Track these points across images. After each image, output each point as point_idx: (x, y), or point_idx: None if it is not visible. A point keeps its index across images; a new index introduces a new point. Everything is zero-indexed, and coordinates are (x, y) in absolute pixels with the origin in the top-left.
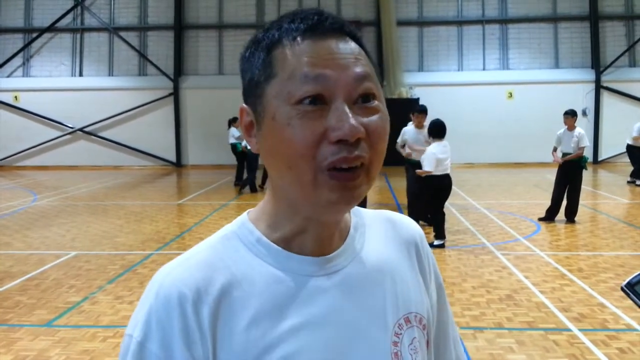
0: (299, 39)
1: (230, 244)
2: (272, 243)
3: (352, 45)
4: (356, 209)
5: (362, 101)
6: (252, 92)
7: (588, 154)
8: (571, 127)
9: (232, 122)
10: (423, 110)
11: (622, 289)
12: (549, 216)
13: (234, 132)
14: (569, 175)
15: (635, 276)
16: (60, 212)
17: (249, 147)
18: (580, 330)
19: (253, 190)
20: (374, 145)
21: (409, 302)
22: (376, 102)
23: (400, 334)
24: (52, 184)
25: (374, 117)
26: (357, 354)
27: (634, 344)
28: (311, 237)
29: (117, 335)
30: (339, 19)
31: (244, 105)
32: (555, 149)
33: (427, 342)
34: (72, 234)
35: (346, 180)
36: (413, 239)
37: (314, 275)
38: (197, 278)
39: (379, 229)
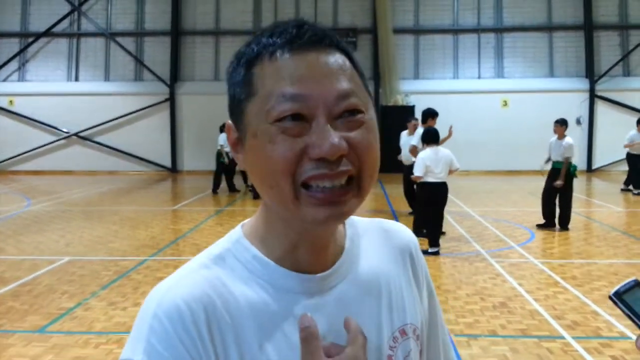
0: (277, 54)
1: (226, 263)
2: (269, 260)
3: (335, 57)
4: (350, 221)
5: (346, 115)
6: (235, 109)
7: (581, 162)
8: (561, 136)
9: (223, 128)
10: (432, 114)
11: (610, 298)
12: (548, 223)
13: (224, 138)
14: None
15: (623, 285)
16: (54, 217)
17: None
18: (573, 338)
19: (215, 191)
20: (361, 158)
21: (404, 314)
22: (360, 115)
23: (395, 347)
24: (46, 189)
25: (359, 131)
26: None
27: (627, 351)
28: (305, 251)
29: (110, 341)
30: (320, 30)
31: (229, 122)
32: (549, 159)
33: (421, 352)
34: (66, 239)
35: (332, 197)
36: (408, 248)
37: (311, 293)
38: (195, 296)
39: (374, 239)
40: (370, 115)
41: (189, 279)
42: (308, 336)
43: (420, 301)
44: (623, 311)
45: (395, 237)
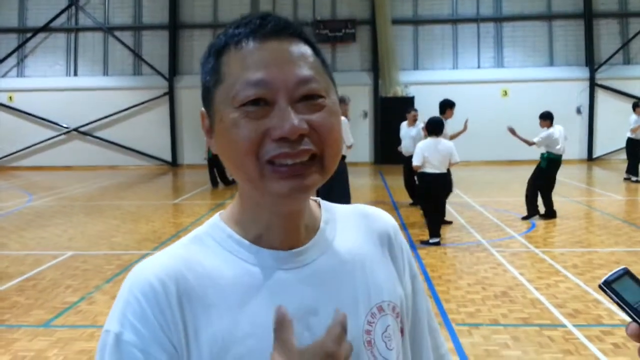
0: (243, 43)
1: (203, 242)
2: (242, 239)
3: (297, 46)
4: (328, 205)
5: (306, 99)
6: (206, 97)
7: (582, 151)
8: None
9: None
10: (450, 104)
11: (599, 286)
12: (548, 213)
13: None
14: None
15: (612, 274)
16: (56, 212)
17: None
18: (574, 326)
19: (214, 184)
20: (323, 139)
21: (381, 291)
22: (321, 99)
23: (373, 322)
24: (47, 184)
25: (319, 114)
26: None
27: (628, 339)
28: (278, 230)
29: None
30: (283, 20)
31: (202, 109)
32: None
33: (402, 330)
34: (68, 234)
35: (294, 170)
36: (386, 231)
37: (285, 269)
38: (169, 271)
39: (351, 223)
40: (332, 100)
41: (164, 257)
42: (280, 326)
43: (401, 283)
44: (612, 299)
45: (374, 221)
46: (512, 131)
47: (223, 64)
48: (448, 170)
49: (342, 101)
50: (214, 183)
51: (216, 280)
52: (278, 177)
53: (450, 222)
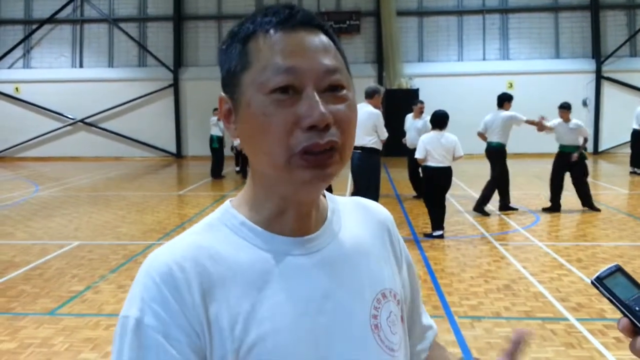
0: (271, 31)
1: (216, 229)
2: (255, 225)
3: (322, 38)
4: (331, 196)
5: (331, 90)
6: (230, 82)
7: (588, 144)
8: (567, 120)
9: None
10: (508, 98)
11: (592, 282)
12: (554, 206)
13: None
14: (570, 167)
15: (604, 271)
16: (62, 202)
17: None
18: (577, 319)
19: (216, 176)
20: (342, 130)
21: (383, 279)
22: (344, 92)
23: (379, 307)
24: (53, 175)
25: (342, 106)
26: (339, 325)
27: None
28: (290, 217)
29: None
30: (309, 13)
31: (222, 94)
32: (542, 118)
33: (402, 318)
34: (74, 224)
35: (318, 161)
36: (385, 223)
37: (296, 255)
38: (186, 256)
39: (354, 214)
40: (353, 94)
41: (180, 243)
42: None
43: (399, 273)
44: (604, 295)
45: (373, 212)
46: (541, 125)
47: (251, 51)
48: None
49: (377, 92)
50: (218, 174)
51: (232, 265)
52: (304, 166)
53: (488, 214)
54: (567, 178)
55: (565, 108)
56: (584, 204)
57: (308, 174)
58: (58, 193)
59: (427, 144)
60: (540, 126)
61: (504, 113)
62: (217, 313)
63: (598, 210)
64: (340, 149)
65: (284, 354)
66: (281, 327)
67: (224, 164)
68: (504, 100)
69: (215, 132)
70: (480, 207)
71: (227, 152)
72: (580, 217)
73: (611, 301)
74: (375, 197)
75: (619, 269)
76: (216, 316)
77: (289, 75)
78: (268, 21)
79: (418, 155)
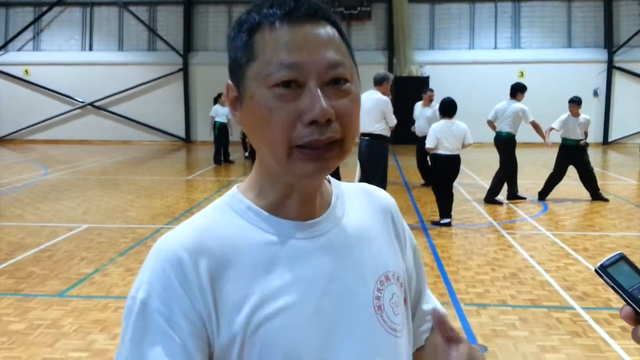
0: (277, 24)
1: (223, 213)
2: (261, 210)
3: (327, 29)
4: (335, 181)
5: (334, 83)
6: (236, 72)
7: (598, 135)
8: (576, 114)
9: (217, 99)
10: (521, 88)
11: (595, 271)
12: (545, 191)
13: (218, 109)
14: (575, 158)
15: (608, 259)
16: (71, 185)
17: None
18: (583, 308)
19: (218, 162)
20: (344, 125)
21: (386, 262)
22: (347, 85)
23: (382, 289)
24: (62, 158)
25: (344, 100)
26: (343, 306)
27: None
28: (295, 202)
29: None
30: (314, 4)
31: (229, 82)
32: (551, 129)
33: (405, 300)
34: (83, 207)
35: (318, 154)
36: (388, 208)
37: (301, 238)
38: (194, 241)
39: (357, 199)
40: (355, 85)
41: (188, 227)
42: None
43: (403, 257)
44: (608, 283)
45: (376, 198)
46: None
47: (256, 43)
48: None
49: (385, 79)
50: (219, 160)
51: (239, 249)
52: (304, 159)
53: (500, 204)
54: (572, 169)
55: (575, 103)
56: (593, 197)
57: (308, 166)
58: (67, 176)
59: (437, 133)
60: (542, 136)
61: (517, 104)
62: (224, 295)
63: (606, 200)
64: (341, 142)
65: (291, 333)
66: (287, 307)
67: (221, 152)
68: (517, 91)
69: (219, 119)
70: (491, 198)
71: (236, 137)
72: (588, 207)
73: (614, 289)
74: (382, 184)
75: (622, 257)
76: (224, 298)
77: (292, 71)
78: (273, 13)
79: (429, 144)
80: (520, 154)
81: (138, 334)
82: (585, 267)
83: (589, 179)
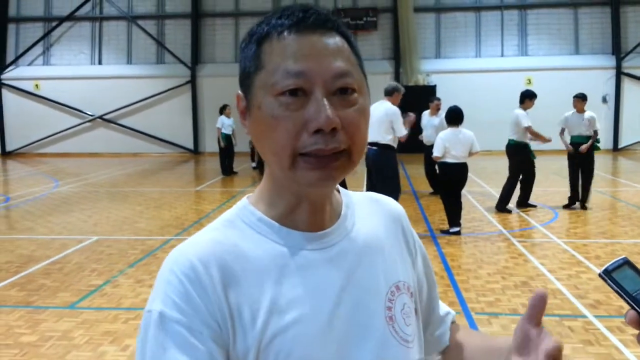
0: (285, 33)
1: (234, 225)
2: (272, 221)
3: (335, 39)
4: (344, 191)
5: (341, 93)
6: (245, 81)
7: (607, 141)
8: (581, 110)
9: (222, 110)
10: (530, 95)
11: (599, 275)
12: (571, 203)
13: (224, 120)
14: (580, 160)
15: (612, 263)
16: (81, 198)
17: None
18: (595, 316)
19: (226, 173)
20: (351, 137)
21: (397, 272)
22: (354, 95)
23: (393, 299)
24: (72, 171)
25: (350, 110)
26: (356, 317)
27: None
28: (304, 212)
29: (139, 317)
30: (323, 14)
31: (239, 92)
32: (562, 131)
33: (415, 310)
34: (93, 219)
35: (323, 163)
36: (398, 217)
37: (312, 249)
38: (207, 252)
39: (367, 208)
40: (364, 97)
41: (200, 239)
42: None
43: (413, 266)
44: (612, 288)
45: (386, 206)
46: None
47: (264, 53)
48: None
49: (397, 90)
50: (225, 171)
51: (251, 260)
52: (308, 168)
53: (509, 211)
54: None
55: (580, 98)
56: (582, 200)
57: (312, 175)
58: (77, 188)
59: (445, 141)
60: (541, 140)
61: (516, 110)
62: (238, 307)
63: (585, 209)
64: (348, 153)
65: (306, 343)
66: (301, 318)
67: (226, 162)
68: (525, 97)
69: (225, 130)
70: (502, 206)
71: (245, 148)
72: (599, 214)
73: (618, 293)
74: (396, 193)
75: (626, 262)
76: (238, 310)
77: (298, 79)
78: (281, 23)
79: (436, 152)
80: None
81: (160, 348)
82: (597, 275)
83: (583, 183)
